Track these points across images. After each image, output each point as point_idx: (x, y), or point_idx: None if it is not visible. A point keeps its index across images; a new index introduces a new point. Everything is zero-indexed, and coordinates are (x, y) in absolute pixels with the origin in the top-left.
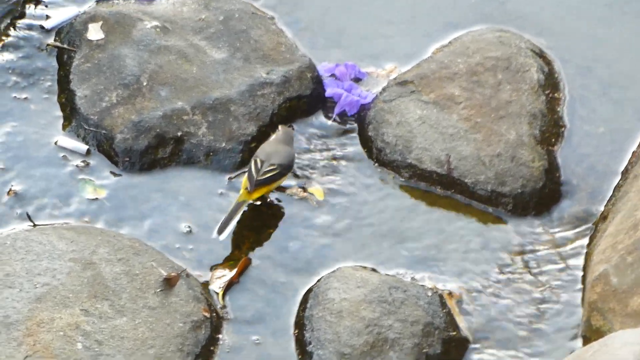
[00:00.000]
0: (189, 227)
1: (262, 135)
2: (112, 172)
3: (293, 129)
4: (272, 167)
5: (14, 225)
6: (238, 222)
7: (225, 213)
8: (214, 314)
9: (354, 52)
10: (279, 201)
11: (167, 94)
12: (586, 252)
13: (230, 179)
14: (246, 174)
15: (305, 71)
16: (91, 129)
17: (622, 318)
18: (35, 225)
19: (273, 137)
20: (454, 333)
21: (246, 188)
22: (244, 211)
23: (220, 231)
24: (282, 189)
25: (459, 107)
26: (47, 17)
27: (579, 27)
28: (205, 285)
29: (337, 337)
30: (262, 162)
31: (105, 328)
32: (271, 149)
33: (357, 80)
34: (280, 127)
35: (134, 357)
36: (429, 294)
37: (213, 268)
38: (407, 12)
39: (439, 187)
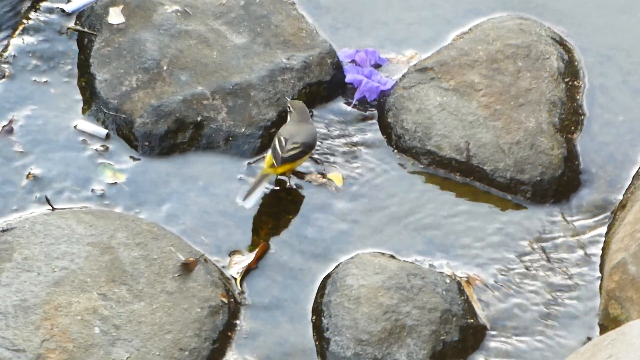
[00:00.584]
0: (208, 212)
1: (282, 120)
2: (131, 157)
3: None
4: (295, 146)
5: (33, 209)
6: (257, 208)
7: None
8: (232, 300)
9: (374, 38)
10: (298, 187)
11: (187, 79)
12: (604, 241)
13: (249, 164)
14: (270, 152)
15: (325, 57)
16: (111, 113)
17: None
18: (54, 209)
19: (290, 118)
20: (472, 320)
21: (272, 165)
22: (263, 197)
23: (245, 198)
24: (301, 175)
25: (479, 95)
26: (68, 0)
27: (599, 15)
28: (224, 270)
29: (355, 323)
30: (286, 140)
31: (122, 312)
32: (293, 129)
33: (377, 66)
34: (290, 104)
35: (152, 342)
36: (447, 281)
37: (231, 253)
38: None
39: (458, 174)
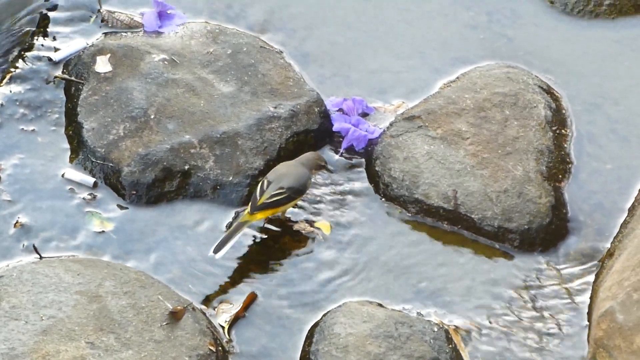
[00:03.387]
0: (195, 261)
1: (269, 169)
2: (119, 205)
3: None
4: (280, 190)
5: (21, 258)
6: (244, 256)
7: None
8: (220, 348)
9: (361, 86)
10: (286, 235)
11: (174, 127)
12: (592, 289)
13: (237, 213)
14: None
15: (313, 105)
16: (98, 161)
17: (628, 355)
18: (41, 257)
19: (296, 159)
20: None
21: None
22: (251, 245)
23: (217, 250)
24: (289, 224)
25: (466, 143)
26: (55, 49)
27: (586, 64)
28: (211, 319)
29: None
30: (269, 183)
31: None
32: (284, 171)
33: (365, 115)
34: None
35: None
36: (435, 329)
37: (219, 302)
38: (415, 47)
39: (446, 222)
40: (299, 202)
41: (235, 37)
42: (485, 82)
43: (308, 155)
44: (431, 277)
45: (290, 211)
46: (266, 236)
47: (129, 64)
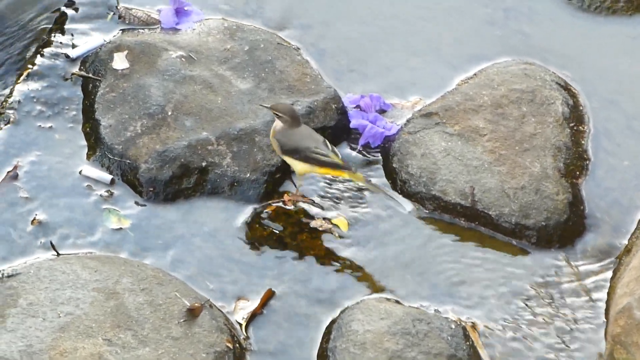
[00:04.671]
0: (213, 257)
1: (287, 166)
2: (136, 202)
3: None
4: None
5: (38, 255)
6: (262, 253)
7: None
8: (237, 345)
9: (378, 83)
10: (303, 232)
11: (192, 124)
12: (610, 285)
13: (256, 210)
14: (323, 161)
15: (330, 102)
16: (115, 158)
17: None
18: (59, 254)
19: (283, 125)
20: None
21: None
22: (268, 241)
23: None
24: (306, 221)
25: (484, 139)
26: (73, 46)
27: (603, 60)
28: (229, 316)
29: None
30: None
31: (128, 358)
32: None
33: (382, 111)
34: (276, 109)
35: None
36: (453, 326)
37: (236, 299)
38: (432, 44)
39: (463, 219)
40: (318, 199)
41: (253, 33)
42: (503, 79)
43: (292, 110)
44: (448, 274)
45: (308, 208)
46: (284, 233)
47: (147, 60)
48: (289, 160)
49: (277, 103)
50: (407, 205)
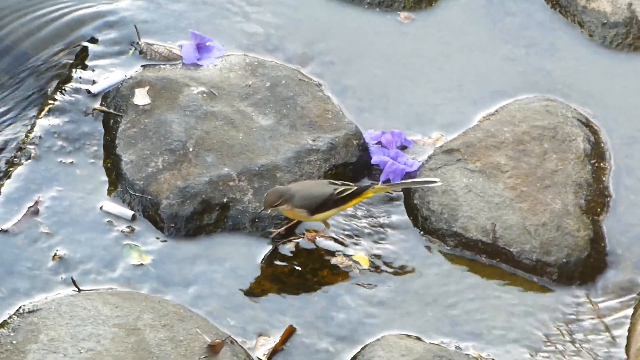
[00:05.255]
0: (234, 293)
1: None
2: (157, 238)
3: None
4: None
5: (59, 290)
6: (283, 289)
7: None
8: None
9: (400, 119)
10: (324, 269)
11: (213, 160)
12: (630, 322)
13: (273, 238)
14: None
15: (351, 138)
16: (137, 194)
17: None
18: (80, 290)
19: (295, 201)
20: None
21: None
22: (288, 277)
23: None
24: (327, 258)
25: (505, 176)
26: (94, 81)
27: (625, 97)
28: (250, 352)
29: None
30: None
31: None
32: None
33: (403, 148)
34: (282, 199)
35: None
36: None
37: (258, 335)
38: (454, 80)
39: (484, 255)
40: (338, 237)
41: (274, 69)
42: (524, 115)
43: (290, 191)
44: (469, 311)
45: (328, 244)
46: (305, 269)
47: (168, 96)
48: (321, 216)
49: (266, 197)
50: (436, 179)
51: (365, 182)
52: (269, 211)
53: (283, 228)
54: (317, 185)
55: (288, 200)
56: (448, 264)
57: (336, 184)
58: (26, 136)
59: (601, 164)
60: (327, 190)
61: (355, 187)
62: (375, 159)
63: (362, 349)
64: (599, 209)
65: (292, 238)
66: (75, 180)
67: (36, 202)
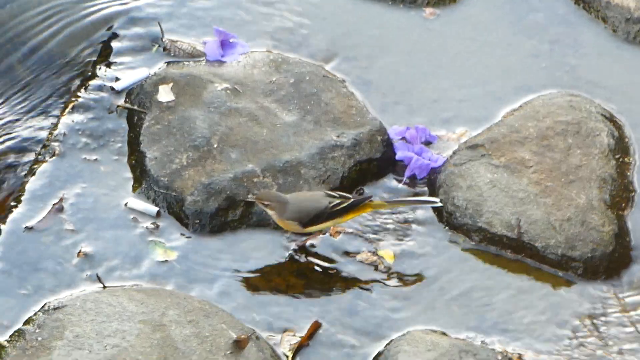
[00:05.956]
0: (259, 289)
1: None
2: (182, 234)
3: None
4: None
5: (84, 287)
6: (308, 284)
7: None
8: None
9: (424, 115)
10: (349, 264)
11: (237, 156)
12: None
13: (301, 241)
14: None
15: (375, 134)
16: (161, 191)
17: None
18: (105, 286)
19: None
20: None
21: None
22: (313, 273)
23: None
24: (352, 253)
25: (529, 171)
26: (117, 78)
27: None
28: (275, 347)
29: None
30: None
31: None
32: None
33: (428, 143)
34: (274, 200)
35: None
36: (499, 357)
37: (283, 330)
38: (478, 76)
39: (509, 250)
40: (363, 232)
41: (298, 66)
42: (548, 111)
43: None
44: (495, 306)
45: (354, 240)
46: (330, 265)
47: (192, 93)
48: (314, 228)
49: (260, 193)
50: (436, 200)
51: (390, 178)
52: (253, 199)
53: (304, 240)
54: (312, 198)
55: (275, 208)
56: (473, 259)
57: (333, 196)
58: (50, 133)
59: (625, 159)
60: (322, 204)
61: (352, 200)
62: (399, 155)
63: (388, 344)
64: (623, 204)
65: (316, 234)
66: (99, 177)
67: (61, 199)
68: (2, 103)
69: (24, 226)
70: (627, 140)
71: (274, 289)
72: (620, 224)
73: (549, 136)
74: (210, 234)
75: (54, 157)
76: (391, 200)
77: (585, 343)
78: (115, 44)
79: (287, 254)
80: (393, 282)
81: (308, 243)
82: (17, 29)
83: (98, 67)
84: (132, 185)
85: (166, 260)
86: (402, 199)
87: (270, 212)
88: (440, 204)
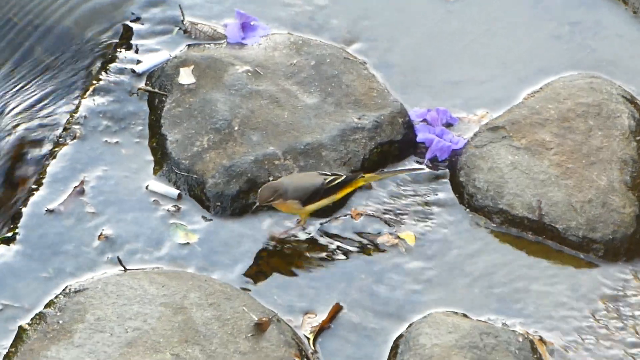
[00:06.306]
0: (280, 271)
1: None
2: (203, 217)
3: None
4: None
5: (105, 270)
6: (329, 267)
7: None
8: (305, 359)
9: (445, 97)
10: (370, 247)
11: (258, 139)
12: None
13: (322, 224)
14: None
15: (396, 116)
16: (182, 173)
17: None
18: (126, 269)
19: (289, 194)
20: None
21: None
22: (334, 256)
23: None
24: (373, 235)
25: (550, 153)
26: (138, 61)
27: None
28: (296, 330)
29: None
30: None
31: None
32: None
33: (449, 125)
34: (275, 194)
35: None
36: (520, 339)
37: (304, 313)
38: (499, 58)
39: (530, 232)
40: (384, 215)
41: (319, 48)
42: (569, 93)
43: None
44: (516, 287)
45: (375, 222)
46: (351, 247)
47: (213, 75)
48: (313, 207)
49: (261, 195)
50: (422, 167)
51: (411, 160)
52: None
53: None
54: (306, 177)
55: (282, 195)
56: (494, 241)
57: (326, 174)
58: (71, 116)
59: None
60: (317, 181)
61: (344, 177)
62: (420, 137)
63: (409, 326)
64: None
65: (337, 216)
66: (120, 159)
67: (82, 182)
68: (24, 86)
69: (45, 209)
70: None
71: (295, 271)
72: None
73: (569, 118)
74: (231, 216)
75: (75, 140)
76: (381, 171)
77: (606, 325)
78: (135, 26)
79: (308, 237)
80: (414, 264)
81: (336, 224)
82: (37, 11)
83: (119, 49)
84: (153, 168)
85: (187, 243)
86: (391, 169)
87: (278, 202)
88: (425, 170)
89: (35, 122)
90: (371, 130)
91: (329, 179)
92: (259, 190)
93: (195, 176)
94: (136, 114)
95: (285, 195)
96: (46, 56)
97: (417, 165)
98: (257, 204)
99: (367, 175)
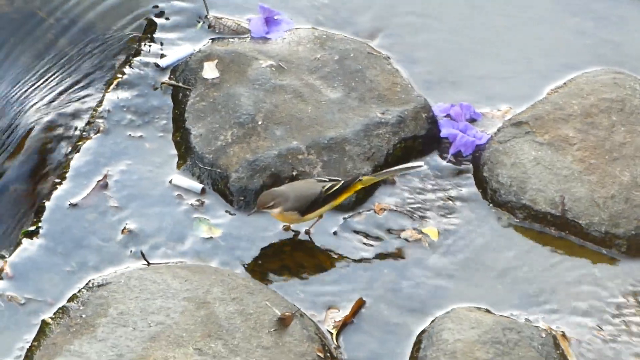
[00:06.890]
0: (304, 266)
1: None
2: (227, 211)
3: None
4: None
5: (128, 264)
6: (352, 262)
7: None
8: (328, 354)
9: (469, 92)
10: (393, 242)
11: (282, 133)
12: None
13: (345, 219)
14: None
15: (420, 111)
16: (206, 167)
17: None
18: (149, 263)
19: (289, 202)
20: None
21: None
22: (358, 250)
23: None
24: (396, 230)
25: (573, 149)
26: (162, 55)
27: None
28: (320, 325)
29: None
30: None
31: None
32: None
33: (472, 120)
34: (274, 202)
35: None
36: (543, 335)
37: (327, 308)
38: (522, 53)
39: (553, 228)
40: (407, 210)
41: (343, 43)
42: (592, 88)
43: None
44: (539, 283)
45: (398, 218)
46: (374, 242)
47: (236, 70)
48: (311, 216)
49: (260, 200)
50: (420, 163)
51: (434, 155)
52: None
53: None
54: (306, 185)
55: (281, 203)
56: (517, 237)
57: (324, 181)
58: (95, 110)
59: None
60: (316, 189)
61: (342, 182)
62: (444, 132)
63: (432, 321)
64: None
65: (361, 211)
66: (144, 153)
67: (105, 176)
68: (47, 78)
69: (69, 203)
70: None
71: (318, 266)
72: None
73: (593, 113)
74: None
75: (98, 134)
76: (379, 173)
77: (629, 320)
78: (159, 20)
79: (331, 231)
80: (437, 259)
81: (359, 219)
82: (61, 4)
83: (142, 43)
84: (177, 162)
85: (210, 237)
86: (389, 169)
87: (276, 210)
88: (425, 167)
89: (59, 115)
90: (395, 125)
91: (327, 186)
92: (260, 196)
93: (218, 170)
94: (160, 108)
95: (285, 205)
96: (70, 50)
97: (415, 163)
98: (255, 209)
99: (365, 178)
